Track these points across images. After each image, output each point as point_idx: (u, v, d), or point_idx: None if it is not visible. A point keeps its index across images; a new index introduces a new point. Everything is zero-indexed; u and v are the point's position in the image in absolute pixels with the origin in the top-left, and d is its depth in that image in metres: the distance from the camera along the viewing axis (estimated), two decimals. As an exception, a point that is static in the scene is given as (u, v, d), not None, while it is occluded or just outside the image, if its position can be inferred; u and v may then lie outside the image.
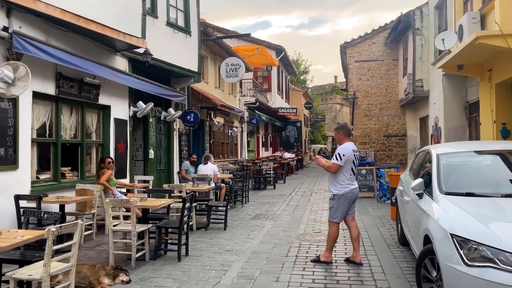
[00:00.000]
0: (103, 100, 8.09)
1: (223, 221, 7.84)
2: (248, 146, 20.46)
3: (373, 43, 21.03)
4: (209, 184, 8.88)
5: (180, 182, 10.38)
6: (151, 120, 10.14)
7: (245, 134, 20.07)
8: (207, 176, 9.35)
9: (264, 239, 6.94)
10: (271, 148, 27.29)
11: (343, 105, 50.86)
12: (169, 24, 10.27)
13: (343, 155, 5.28)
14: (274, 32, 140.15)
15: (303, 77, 53.62)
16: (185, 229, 5.65)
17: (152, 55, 8.75)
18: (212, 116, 14.88)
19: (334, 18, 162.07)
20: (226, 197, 9.43)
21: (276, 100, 24.05)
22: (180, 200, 5.70)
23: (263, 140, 24.59)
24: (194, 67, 11.36)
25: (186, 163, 10.83)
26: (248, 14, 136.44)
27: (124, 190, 7.95)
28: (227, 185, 10.91)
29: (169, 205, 6.34)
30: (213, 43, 13.28)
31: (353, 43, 21.27)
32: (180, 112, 10.93)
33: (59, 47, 6.61)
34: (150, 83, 9.62)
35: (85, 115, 7.73)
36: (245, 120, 19.94)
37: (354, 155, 5.39)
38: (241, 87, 20.80)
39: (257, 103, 19.93)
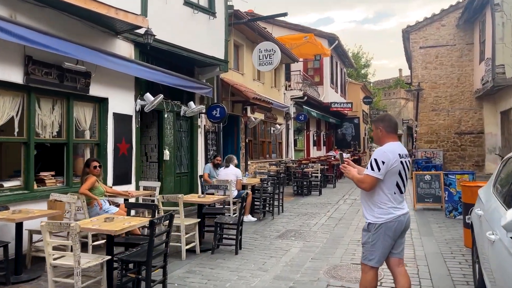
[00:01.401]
0: (96, 91, 6.76)
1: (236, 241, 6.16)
2: (295, 145, 18.58)
3: (442, 25, 18.09)
4: (225, 193, 7.24)
5: (202, 187, 8.88)
6: (166, 115, 8.73)
7: (291, 131, 18.21)
8: (227, 182, 7.74)
9: (282, 273, 5.14)
10: (324, 147, 25.11)
11: (408, 100, 46.66)
12: (187, 3, 8.78)
13: (383, 163, 3.35)
14: (337, 28, 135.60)
15: (364, 71, 50.27)
16: (163, 260, 4.06)
17: (154, 35, 7.29)
18: (249, 112, 13.26)
19: (401, 11, 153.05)
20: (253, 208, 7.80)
21: (328, 94, 21.87)
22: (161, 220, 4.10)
23: (315, 138, 22.52)
24: (220, 54, 9.79)
25: (209, 165, 9.32)
26: (311, 10, 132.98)
27: (120, 200, 6.58)
28: (257, 192, 9.24)
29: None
30: (247, 27, 11.60)
31: (417, 27, 18.49)
32: (202, 107, 9.42)
33: (28, 24, 5.35)
34: (164, 72, 8.21)
35: (71, 109, 6.45)
36: (292, 116, 18.08)
37: (402, 162, 3.45)
38: (288, 80, 18.98)
39: (305, 97, 17.97)
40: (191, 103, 9.22)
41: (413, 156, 18.66)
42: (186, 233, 5.89)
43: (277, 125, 15.74)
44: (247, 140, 12.80)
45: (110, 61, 6.72)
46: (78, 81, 6.36)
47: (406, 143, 49.03)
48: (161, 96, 7.76)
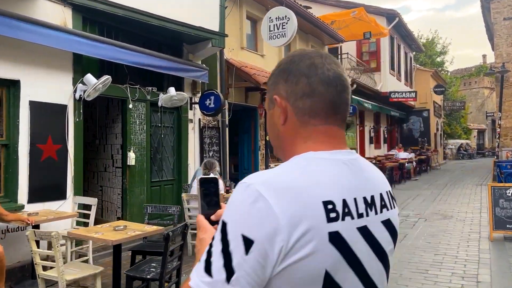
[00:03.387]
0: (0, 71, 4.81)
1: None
2: (343, 142, 15.57)
3: (537, -13, 13.97)
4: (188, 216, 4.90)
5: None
6: (131, 106, 6.58)
7: (338, 127, 15.25)
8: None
9: None
10: (385, 145, 21.60)
11: (494, 89, 40.31)
12: (158, -45, 6.55)
13: (247, 244, 0.75)
14: (414, 17, 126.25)
15: (440, 58, 44.63)
16: None
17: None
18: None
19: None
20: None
21: (387, 82, 18.43)
22: None
23: (371, 134, 19.21)
24: (212, 25, 7.44)
25: (200, 170, 7.04)
26: (385, 1, 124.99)
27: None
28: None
29: None
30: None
31: (501, -8, 14.54)
32: (183, 95, 7.12)
33: None
34: (122, 47, 6.09)
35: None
36: (338, 108, 15.11)
37: (363, 229, 0.85)
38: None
39: (354, 85, 14.91)
40: (171, 89, 6.98)
41: (496, 157, 14.74)
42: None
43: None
44: (267, 138, 10.29)
45: (19, 29, 4.72)
46: (-45, 55, 4.42)
47: (491, 140, 42.70)
48: (107, 77, 5.61)
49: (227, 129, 8.82)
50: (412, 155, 18.24)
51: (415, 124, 24.43)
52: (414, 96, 17.99)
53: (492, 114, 39.19)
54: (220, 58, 8.65)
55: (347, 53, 15.78)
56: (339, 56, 16.14)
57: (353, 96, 14.93)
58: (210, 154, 8.34)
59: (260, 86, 8.35)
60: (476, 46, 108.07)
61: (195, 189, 5.92)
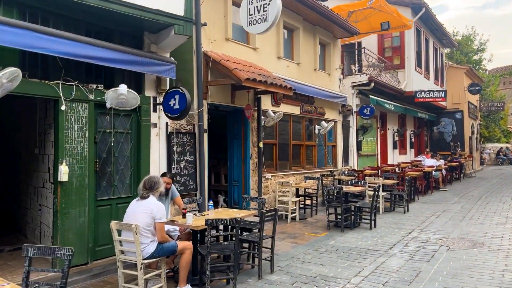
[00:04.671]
0: None
1: None
2: (359, 148, 13.87)
3: None
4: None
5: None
6: (63, 108, 5.31)
7: (353, 130, 13.57)
8: (130, 228, 4.08)
9: None
10: (412, 150, 19.57)
11: (538, 88, 36.92)
12: None
13: None
14: (452, 16, 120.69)
15: (477, 56, 41.46)
16: None
17: None
18: (269, 103, 9.27)
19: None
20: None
21: (412, 81, 16.49)
22: None
23: (395, 139, 17.30)
24: (176, 8, 6.07)
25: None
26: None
27: None
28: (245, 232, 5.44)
29: None
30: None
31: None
32: (133, 94, 5.77)
33: None
34: (48, 34, 4.84)
35: None
36: (353, 110, 13.44)
37: None
38: (355, 63, 14.37)
39: (372, 83, 13.18)
40: (122, 86, 5.65)
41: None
42: None
43: (323, 122, 11.38)
44: (260, 145, 8.81)
45: None
46: None
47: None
48: (12, 70, 4.35)
49: (205, 135, 7.42)
50: (441, 162, 16.18)
51: (446, 127, 22.19)
52: (443, 96, 15.96)
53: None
54: (197, 50, 7.30)
55: (364, 48, 14.05)
56: (355, 51, 14.43)
57: (371, 96, 13.28)
58: (182, 165, 6.97)
59: (242, 83, 6.92)
60: None
61: (129, 215, 4.55)
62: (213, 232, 5.46)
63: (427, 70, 18.71)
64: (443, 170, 15.81)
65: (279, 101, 9.64)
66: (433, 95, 15.91)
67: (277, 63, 9.71)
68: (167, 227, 4.98)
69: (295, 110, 10.41)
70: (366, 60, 14.10)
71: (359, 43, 14.98)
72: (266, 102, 9.25)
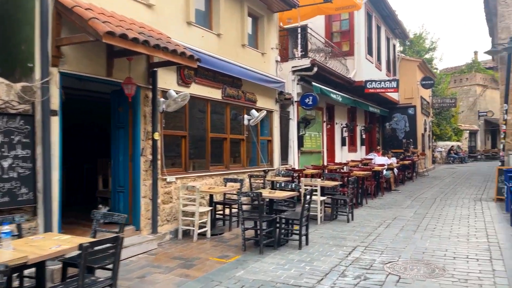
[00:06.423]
0: None
1: None
2: (301, 144, 11.90)
3: None
4: None
5: None
6: None
7: (293, 123, 11.57)
8: None
9: None
10: (363, 147, 17.97)
11: (487, 86, 37.03)
12: None
13: None
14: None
15: (428, 55, 41.35)
16: None
17: None
18: (173, 80, 6.98)
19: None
20: None
21: (362, 70, 14.80)
22: None
23: (344, 134, 15.54)
24: None
25: None
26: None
27: None
28: None
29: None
30: None
31: None
32: None
33: None
34: None
35: None
36: (294, 99, 11.45)
37: None
38: (297, 47, 12.37)
39: (315, 69, 11.24)
40: None
41: (500, 163, 11.17)
42: None
43: (254, 111, 9.25)
44: (156, 136, 6.50)
45: None
46: None
47: (483, 142, 39.36)
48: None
49: (54, 118, 5.02)
50: (393, 160, 14.60)
51: (399, 123, 20.87)
52: (395, 86, 14.36)
53: (485, 113, 35.90)
54: (43, -6, 4.89)
55: (306, 25, 12.10)
56: (299, 34, 12.43)
57: (314, 84, 11.34)
58: (5, 165, 4.54)
59: (101, 39, 4.59)
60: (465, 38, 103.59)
61: None
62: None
63: (379, 59, 17.16)
64: (395, 169, 14.23)
65: (188, 79, 7.38)
66: (384, 85, 14.28)
67: (186, 31, 7.45)
68: None
69: (214, 93, 8.20)
70: (310, 42, 12.15)
71: (304, 28, 13.04)
72: (168, 80, 6.97)
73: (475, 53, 46.58)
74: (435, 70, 39.02)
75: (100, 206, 6.64)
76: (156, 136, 6.51)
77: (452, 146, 31.91)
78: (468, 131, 36.19)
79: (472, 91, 36.93)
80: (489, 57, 39.96)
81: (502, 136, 11.13)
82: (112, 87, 6.27)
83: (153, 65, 6.47)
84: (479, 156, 34.15)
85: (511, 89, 10.91)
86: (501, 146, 11.16)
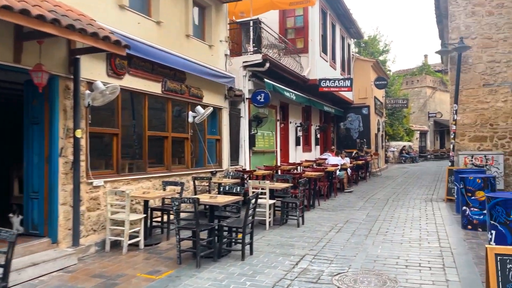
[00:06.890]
0: None
1: None
2: (252, 144, 11.33)
3: None
4: None
5: None
6: None
7: (245, 121, 10.98)
8: None
9: None
10: (317, 147, 17.73)
11: (436, 89, 38.41)
12: None
13: None
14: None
15: (382, 57, 42.35)
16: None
17: None
18: (110, 71, 6.14)
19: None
20: None
21: (317, 68, 14.48)
22: None
23: (298, 134, 15.18)
24: None
25: None
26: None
27: None
28: None
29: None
30: None
31: None
32: None
33: None
34: None
35: None
36: (245, 96, 10.86)
37: None
38: (249, 42, 11.79)
39: (267, 65, 10.71)
40: None
41: (450, 163, 11.17)
42: None
43: (199, 107, 8.54)
44: (78, 134, 5.65)
45: None
46: None
47: (433, 143, 40.85)
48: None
49: None
50: (346, 160, 14.40)
51: (353, 122, 20.89)
52: (349, 85, 14.14)
53: (435, 114, 37.19)
54: None
55: (258, 19, 11.54)
56: (251, 28, 11.84)
57: (266, 80, 10.80)
58: None
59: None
60: (416, 40, 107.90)
61: None
62: None
63: (334, 58, 16.95)
64: (349, 169, 14.01)
65: (121, 70, 6.55)
66: (339, 84, 14.01)
67: (119, 15, 6.62)
68: None
69: (153, 87, 7.41)
70: (262, 37, 11.60)
71: (256, 22, 12.47)
72: (96, 70, 6.12)
73: (425, 56, 48.28)
74: (388, 72, 39.98)
75: (11, 215, 5.68)
76: (79, 133, 5.65)
77: (404, 146, 32.69)
78: (418, 132, 37.32)
79: (422, 93, 38.14)
80: (439, 61, 41.66)
81: (452, 136, 11.12)
82: (25, 76, 5.35)
83: (75, 51, 5.61)
84: (429, 156, 35.26)
85: (460, 90, 10.92)
86: (451, 146, 11.15)
